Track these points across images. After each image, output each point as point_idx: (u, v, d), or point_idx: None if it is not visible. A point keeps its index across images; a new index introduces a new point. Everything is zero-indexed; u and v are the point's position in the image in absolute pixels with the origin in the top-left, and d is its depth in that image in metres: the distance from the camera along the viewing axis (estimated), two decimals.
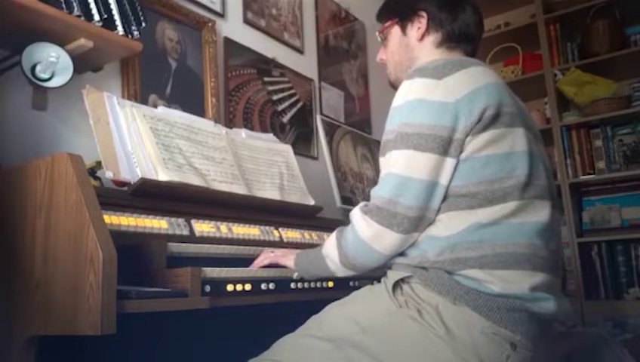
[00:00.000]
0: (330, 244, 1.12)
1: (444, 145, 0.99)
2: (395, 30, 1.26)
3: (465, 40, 1.21)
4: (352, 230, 1.06)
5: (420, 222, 1.00)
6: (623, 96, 3.01)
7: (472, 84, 1.02)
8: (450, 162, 1.00)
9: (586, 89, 3.00)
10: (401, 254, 1.06)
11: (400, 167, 1.00)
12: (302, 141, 2.42)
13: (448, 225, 1.00)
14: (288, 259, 1.25)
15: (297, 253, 1.24)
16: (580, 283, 2.89)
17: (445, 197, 1.01)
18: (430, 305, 0.97)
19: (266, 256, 1.29)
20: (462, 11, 1.20)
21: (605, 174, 2.97)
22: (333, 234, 1.12)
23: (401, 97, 1.05)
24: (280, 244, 1.51)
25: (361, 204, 1.07)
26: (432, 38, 1.21)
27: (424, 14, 1.21)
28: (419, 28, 1.21)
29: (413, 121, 1.01)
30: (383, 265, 1.09)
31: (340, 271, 1.12)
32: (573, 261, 2.93)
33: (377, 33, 1.33)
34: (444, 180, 1.00)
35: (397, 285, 1.03)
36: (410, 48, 1.24)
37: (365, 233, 1.03)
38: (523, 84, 3.17)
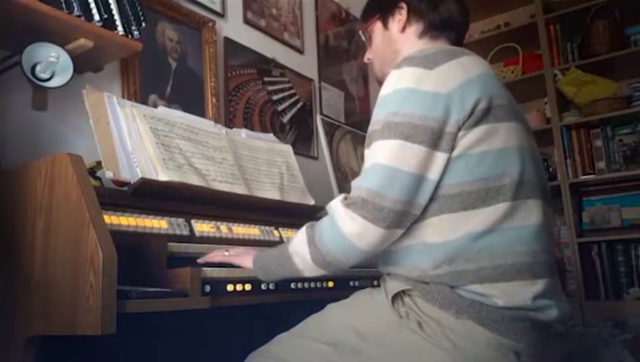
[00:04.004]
0: (299, 241, 1.03)
1: (435, 138, 0.94)
2: (378, 26, 1.26)
3: (448, 28, 1.19)
4: (331, 225, 0.97)
5: (404, 217, 0.94)
6: (623, 96, 3.01)
7: (464, 75, 0.99)
8: (440, 157, 0.94)
9: (586, 89, 2.99)
10: (396, 263, 1.02)
11: (387, 157, 0.94)
12: (302, 141, 2.41)
13: (442, 230, 0.96)
14: (244, 259, 1.16)
15: (255, 253, 1.15)
16: (580, 283, 2.89)
17: (436, 198, 0.96)
18: (432, 318, 0.95)
19: (219, 254, 1.21)
20: (442, 0, 1.19)
21: (605, 174, 2.96)
22: (303, 230, 1.04)
23: (389, 86, 1.00)
24: (279, 244, 1.51)
25: (341, 196, 0.98)
26: (414, 29, 1.20)
27: (404, 5, 1.20)
28: (400, 20, 1.20)
29: (404, 111, 0.95)
30: (359, 264, 1.02)
31: (310, 270, 1.03)
32: (573, 261, 2.92)
33: (361, 33, 1.31)
34: (433, 175, 0.95)
35: (397, 296, 1.00)
36: (394, 41, 1.22)
37: (349, 229, 0.94)
38: (523, 84, 3.17)
